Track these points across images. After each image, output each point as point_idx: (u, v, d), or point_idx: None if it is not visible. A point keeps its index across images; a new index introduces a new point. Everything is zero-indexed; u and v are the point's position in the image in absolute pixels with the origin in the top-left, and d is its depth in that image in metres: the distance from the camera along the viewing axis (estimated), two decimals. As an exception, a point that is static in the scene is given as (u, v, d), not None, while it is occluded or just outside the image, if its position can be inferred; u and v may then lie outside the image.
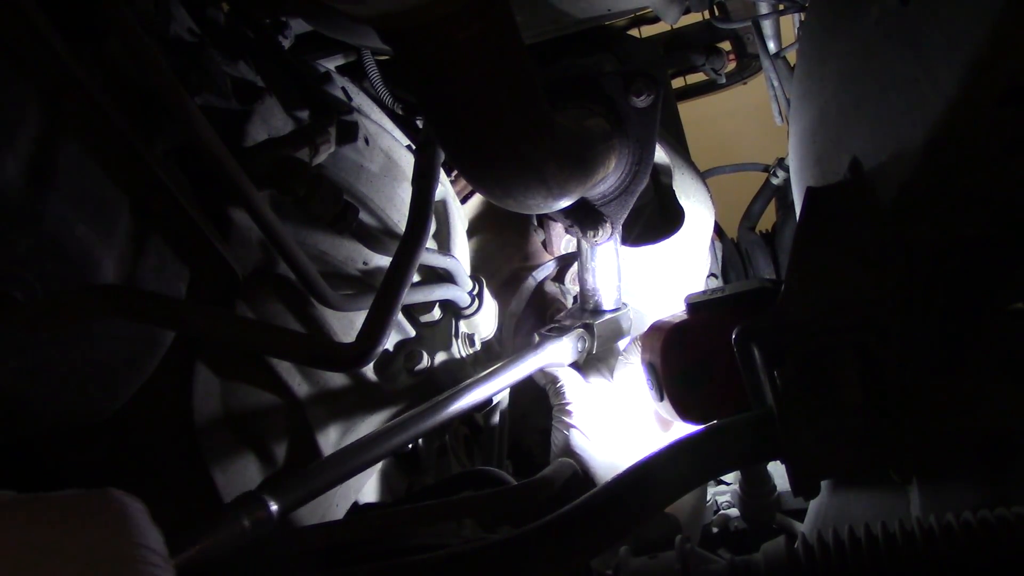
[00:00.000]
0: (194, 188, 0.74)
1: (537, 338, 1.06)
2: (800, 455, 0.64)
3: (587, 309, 1.14)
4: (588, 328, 1.08)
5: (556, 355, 1.03)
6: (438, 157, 0.97)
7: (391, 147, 1.16)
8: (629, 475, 0.61)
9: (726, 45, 2.18)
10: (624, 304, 1.15)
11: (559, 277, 1.42)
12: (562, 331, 1.07)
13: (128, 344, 0.69)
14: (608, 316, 1.11)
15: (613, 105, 0.96)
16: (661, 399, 0.83)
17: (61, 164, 0.60)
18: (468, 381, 0.85)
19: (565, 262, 1.41)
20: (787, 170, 2.04)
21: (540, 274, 1.35)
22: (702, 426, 0.68)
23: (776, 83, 1.95)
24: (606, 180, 0.98)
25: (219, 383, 0.80)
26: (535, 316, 1.37)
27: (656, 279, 1.36)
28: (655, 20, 2.02)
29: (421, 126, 1.49)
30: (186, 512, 0.76)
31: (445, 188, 1.25)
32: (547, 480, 0.89)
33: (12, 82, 0.57)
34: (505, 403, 1.23)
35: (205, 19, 0.97)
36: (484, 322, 1.26)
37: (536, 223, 1.49)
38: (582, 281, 1.14)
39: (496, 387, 0.88)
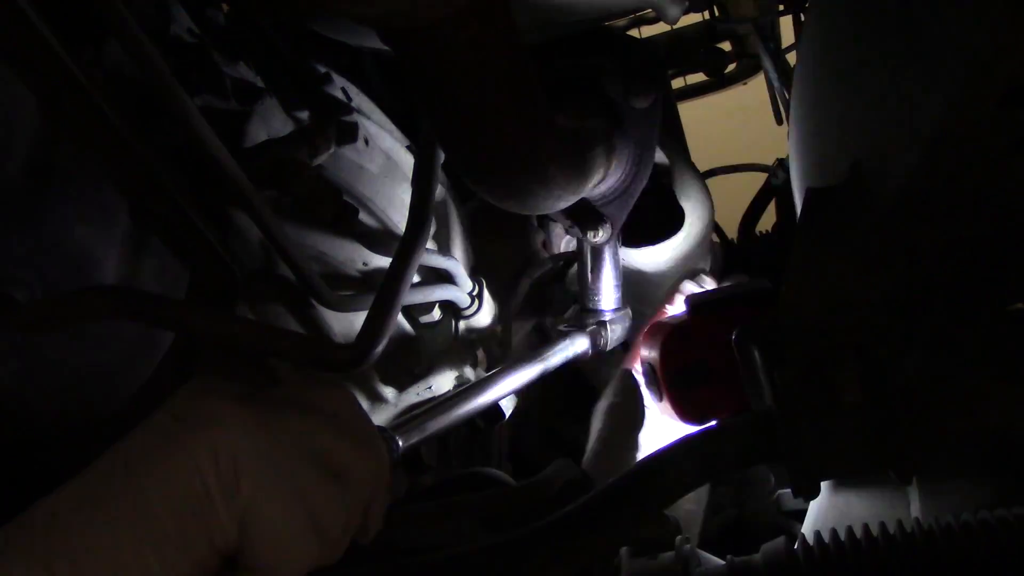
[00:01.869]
0: (194, 188, 0.74)
1: (555, 335, 1.07)
2: (800, 455, 0.64)
3: (587, 310, 1.14)
4: (602, 325, 1.08)
5: (573, 352, 1.03)
6: (438, 157, 0.97)
7: (391, 148, 1.16)
8: (629, 476, 0.61)
9: (726, 45, 2.17)
10: (624, 304, 1.15)
11: (559, 277, 1.41)
12: (577, 328, 1.07)
13: (127, 344, 0.69)
14: (617, 314, 1.12)
15: (613, 106, 0.96)
16: (660, 399, 0.83)
17: (61, 164, 0.60)
18: (489, 374, 0.85)
19: (564, 262, 1.40)
20: (787, 171, 2.03)
21: (535, 273, 1.35)
22: (702, 427, 0.68)
23: (776, 83, 1.94)
24: (606, 181, 0.98)
25: (219, 383, 0.80)
26: (534, 317, 1.37)
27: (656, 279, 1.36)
28: (655, 20, 2.01)
29: (421, 126, 1.49)
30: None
31: (445, 188, 1.25)
32: (547, 480, 0.89)
33: (12, 82, 0.57)
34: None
35: (205, 19, 0.97)
36: (484, 322, 1.26)
37: (536, 223, 1.49)
38: (582, 282, 1.14)
39: (515, 383, 0.87)
